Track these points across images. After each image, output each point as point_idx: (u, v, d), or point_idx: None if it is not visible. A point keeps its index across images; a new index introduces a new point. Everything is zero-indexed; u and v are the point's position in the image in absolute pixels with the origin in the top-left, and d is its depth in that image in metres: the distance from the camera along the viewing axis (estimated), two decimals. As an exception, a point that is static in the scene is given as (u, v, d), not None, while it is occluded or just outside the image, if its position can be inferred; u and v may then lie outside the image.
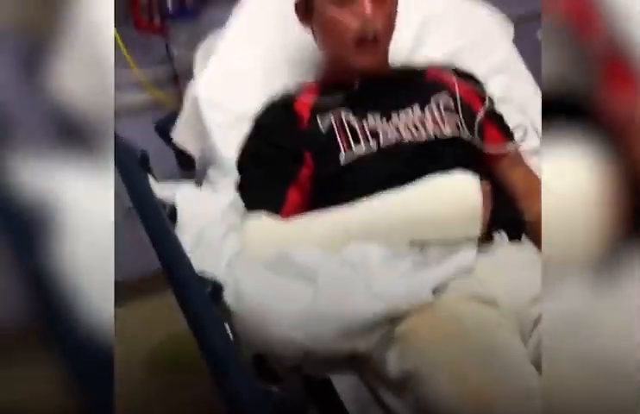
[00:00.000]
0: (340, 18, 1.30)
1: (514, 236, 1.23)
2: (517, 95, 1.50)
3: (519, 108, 1.43)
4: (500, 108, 1.44)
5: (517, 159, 1.38)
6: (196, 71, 1.51)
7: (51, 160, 0.77)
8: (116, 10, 1.81)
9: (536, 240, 1.25)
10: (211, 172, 1.39)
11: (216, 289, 1.00)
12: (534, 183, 1.32)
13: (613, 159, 0.83)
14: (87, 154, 0.79)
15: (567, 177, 0.85)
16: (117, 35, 1.87)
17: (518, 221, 1.25)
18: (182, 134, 1.47)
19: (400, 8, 1.47)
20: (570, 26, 0.86)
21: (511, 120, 1.42)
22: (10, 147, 0.75)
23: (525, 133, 1.35)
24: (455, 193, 1.16)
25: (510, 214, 1.24)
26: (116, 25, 1.85)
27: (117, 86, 1.85)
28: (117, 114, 1.93)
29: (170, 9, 2.00)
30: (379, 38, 1.31)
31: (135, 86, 1.96)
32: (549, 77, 0.87)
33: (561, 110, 0.85)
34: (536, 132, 1.34)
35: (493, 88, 1.49)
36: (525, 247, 1.23)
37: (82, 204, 0.75)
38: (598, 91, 0.84)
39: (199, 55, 1.56)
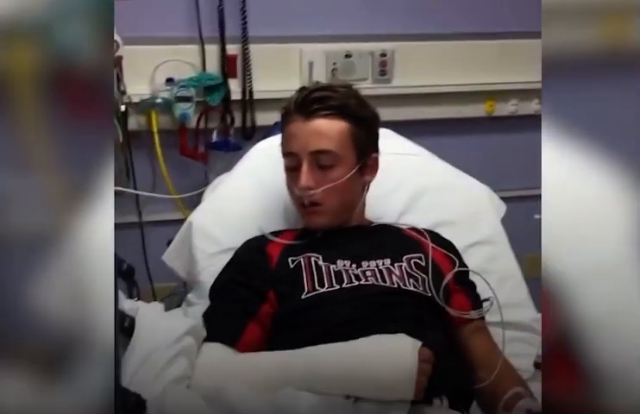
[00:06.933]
0: (289, 183, 1.46)
1: (462, 402, 1.25)
2: (496, 269, 1.54)
3: (496, 282, 1.45)
4: (477, 278, 1.46)
5: (481, 327, 1.41)
6: (202, 201, 1.65)
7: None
8: (165, 135, 2.07)
9: (485, 409, 1.28)
10: (191, 296, 1.50)
11: (139, 405, 1.07)
12: (492, 354, 1.34)
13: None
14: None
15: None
16: (161, 158, 2.10)
17: (466, 389, 1.28)
18: (172, 255, 1.59)
19: (397, 177, 1.58)
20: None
21: (484, 292, 1.44)
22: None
23: (491, 305, 1.38)
24: (393, 356, 1.17)
25: (458, 381, 1.27)
26: (164, 148, 2.09)
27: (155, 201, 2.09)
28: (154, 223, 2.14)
29: (214, 140, 2.21)
30: (318, 203, 1.42)
31: (171, 203, 2.15)
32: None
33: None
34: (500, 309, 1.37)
35: (474, 258, 1.54)
36: None
37: None
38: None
39: (210, 188, 1.70)
